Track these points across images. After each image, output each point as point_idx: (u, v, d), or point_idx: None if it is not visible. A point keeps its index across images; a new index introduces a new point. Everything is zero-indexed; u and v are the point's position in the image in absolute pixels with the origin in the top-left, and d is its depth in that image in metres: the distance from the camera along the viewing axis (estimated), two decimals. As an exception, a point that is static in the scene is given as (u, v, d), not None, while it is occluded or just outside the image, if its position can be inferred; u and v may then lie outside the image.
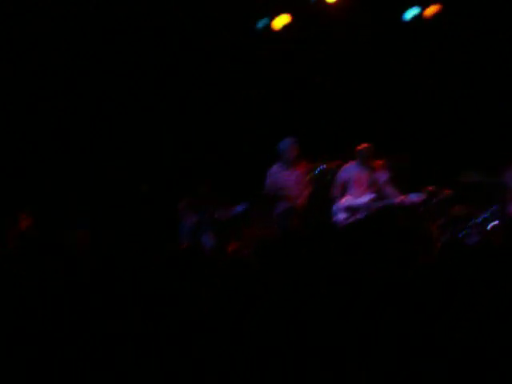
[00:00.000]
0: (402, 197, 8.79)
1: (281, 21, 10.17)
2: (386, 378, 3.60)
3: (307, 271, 4.53)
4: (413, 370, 3.59)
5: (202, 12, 10.19)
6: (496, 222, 8.40)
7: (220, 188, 9.24)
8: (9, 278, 4.93)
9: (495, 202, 8.58)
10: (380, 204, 8.80)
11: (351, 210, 8.85)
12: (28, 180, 10.06)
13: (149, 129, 10.62)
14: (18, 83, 10.15)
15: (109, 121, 10.58)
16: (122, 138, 10.61)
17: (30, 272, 5.05)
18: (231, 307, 4.26)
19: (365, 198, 8.94)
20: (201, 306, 4.30)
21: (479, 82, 10.31)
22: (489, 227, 8.42)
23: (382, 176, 9.09)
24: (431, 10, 10.13)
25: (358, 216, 8.64)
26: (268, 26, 10.23)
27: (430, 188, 8.81)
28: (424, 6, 10.17)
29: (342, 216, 8.92)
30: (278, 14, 10.15)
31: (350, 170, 9.15)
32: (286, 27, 10.19)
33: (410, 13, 10.18)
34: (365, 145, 9.09)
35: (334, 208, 9.07)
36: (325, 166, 9.45)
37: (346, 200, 9.02)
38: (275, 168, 9.02)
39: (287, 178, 8.97)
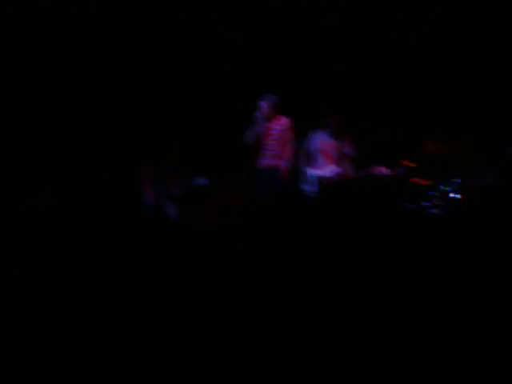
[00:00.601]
0: (374, 168, 8.93)
1: None
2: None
3: (271, 240, 4.57)
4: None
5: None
6: (457, 195, 8.55)
7: (189, 158, 9.26)
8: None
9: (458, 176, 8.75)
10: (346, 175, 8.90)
11: (319, 180, 8.95)
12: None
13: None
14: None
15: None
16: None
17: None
18: (193, 277, 4.29)
19: (331, 171, 9.04)
20: (165, 276, 4.32)
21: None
22: (450, 197, 8.57)
23: (348, 149, 9.22)
24: None
25: (314, 188, 8.76)
26: None
27: (399, 162, 8.94)
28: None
29: (309, 187, 9.03)
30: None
31: (318, 139, 9.29)
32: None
33: None
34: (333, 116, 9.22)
35: (303, 177, 9.17)
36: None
37: (313, 170, 9.12)
38: (258, 124, 9.18)
39: (266, 130, 9.13)
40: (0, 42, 9.85)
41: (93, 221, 5.38)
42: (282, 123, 9.19)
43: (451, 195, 8.56)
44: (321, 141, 9.27)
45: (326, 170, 9.09)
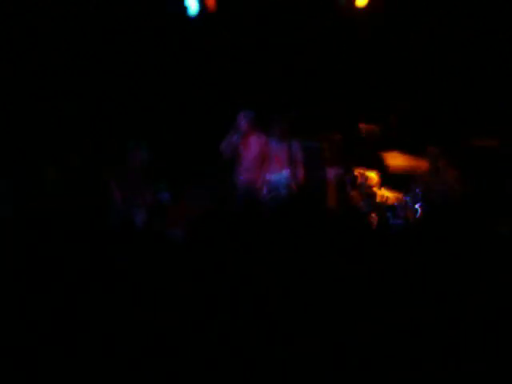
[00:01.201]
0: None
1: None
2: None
3: (232, 248, 4.64)
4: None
5: None
6: (417, 205, 8.71)
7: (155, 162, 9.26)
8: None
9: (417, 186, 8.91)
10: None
11: (272, 185, 9.01)
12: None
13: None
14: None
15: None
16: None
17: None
18: (158, 284, 4.35)
19: (282, 174, 9.07)
20: (131, 282, 4.37)
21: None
22: (410, 208, 8.72)
23: (298, 153, 9.26)
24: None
25: (279, 191, 8.82)
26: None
27: (358, 169, 9.06)
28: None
29: (265, 191, 9.11)
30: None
31: (271, 145, 9.34)
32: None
33: None
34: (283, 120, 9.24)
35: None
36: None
37: (267, 175, 9.19)
38: (235, 137, 9.18)
39: (243, 146, 9.17)
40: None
41: (60, 226, 5.40)
42: (259, 140, 9.16)
43: (413, 206, 8.71)
44: (273, 146, 9.30)
45: (281, 174, 9.12)
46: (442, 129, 9.96)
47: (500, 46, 10.15)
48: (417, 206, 8.71)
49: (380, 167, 9.28)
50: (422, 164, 9.28)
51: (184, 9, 10.53)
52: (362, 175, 9.07)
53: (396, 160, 9.37)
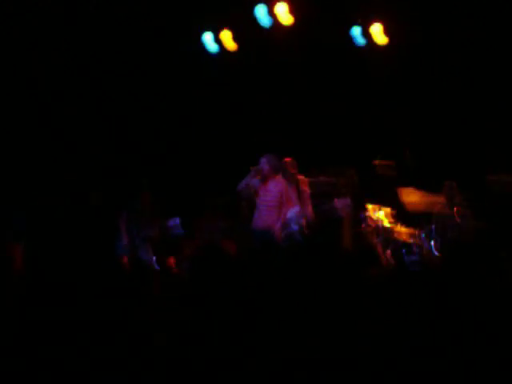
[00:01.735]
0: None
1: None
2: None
3: (244, 285, 4.58)
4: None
5: None
6: (432, 242, 8.63)
7: (163, 199, 9.24)
8: None
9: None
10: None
11: (285, 222, 8.83)
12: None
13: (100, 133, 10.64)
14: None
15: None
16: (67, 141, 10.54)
17: None
18: (168, 322, 4.29)
19: (293, 210, 8.84)
20: (140, 321, 4.32)
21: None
22: (426, 247, 8.64)
23: (306, 190, 9.06)
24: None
25: (290, 229, 8.64)
26: None
27: (372, 205, 9.00)
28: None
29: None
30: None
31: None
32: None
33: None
34: (287, 158, 9.01)
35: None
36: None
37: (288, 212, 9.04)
38: (255, 181, 8.94)
39: (263, 190, 8.91)
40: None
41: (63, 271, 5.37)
42: (279, 185, 8.83)
43: (428, 242, 8.63)
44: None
45: (291, 211, 8.90)
46: (459, 164, 9.90)
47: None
48: (432, 243, 8.62)
49: (395, 203, 9.20)
50: (437, 200, 9.20)
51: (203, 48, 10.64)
52: (377, 211, 8.99)
53: (411, 196, 9.28)
